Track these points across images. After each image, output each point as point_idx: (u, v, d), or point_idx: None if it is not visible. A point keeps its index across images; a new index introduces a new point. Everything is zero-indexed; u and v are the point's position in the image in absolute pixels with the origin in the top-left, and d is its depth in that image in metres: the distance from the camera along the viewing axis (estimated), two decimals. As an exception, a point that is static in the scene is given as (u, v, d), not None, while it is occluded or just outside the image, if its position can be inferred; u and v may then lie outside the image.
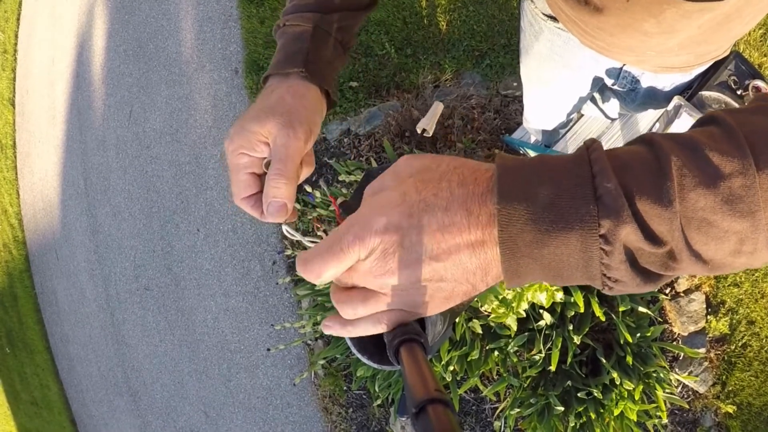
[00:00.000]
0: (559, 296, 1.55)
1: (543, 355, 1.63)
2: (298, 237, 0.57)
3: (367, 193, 0.39)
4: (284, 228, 0.57)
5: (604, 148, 0.34)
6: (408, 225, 0.34)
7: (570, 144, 1.82)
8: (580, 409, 1.63)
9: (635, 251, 0.32)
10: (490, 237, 0.34)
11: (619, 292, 0.34)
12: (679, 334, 1.93)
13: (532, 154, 1.74)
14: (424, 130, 0.53)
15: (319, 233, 0.64)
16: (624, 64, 0.87)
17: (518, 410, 1.70)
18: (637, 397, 1.59)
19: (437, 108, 0.55)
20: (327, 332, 0.40)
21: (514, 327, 1.60)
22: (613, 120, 1.73)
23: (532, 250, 0.32)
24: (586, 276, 0.33)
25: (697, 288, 1.92)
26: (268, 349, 2.87)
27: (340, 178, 1.96)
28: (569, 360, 1.63)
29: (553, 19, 0.87)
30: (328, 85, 0.59)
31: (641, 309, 1.66)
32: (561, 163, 0.33)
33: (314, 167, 0.58)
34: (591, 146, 0.34)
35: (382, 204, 0.36)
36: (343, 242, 0.35)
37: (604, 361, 1.63)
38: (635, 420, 1.60)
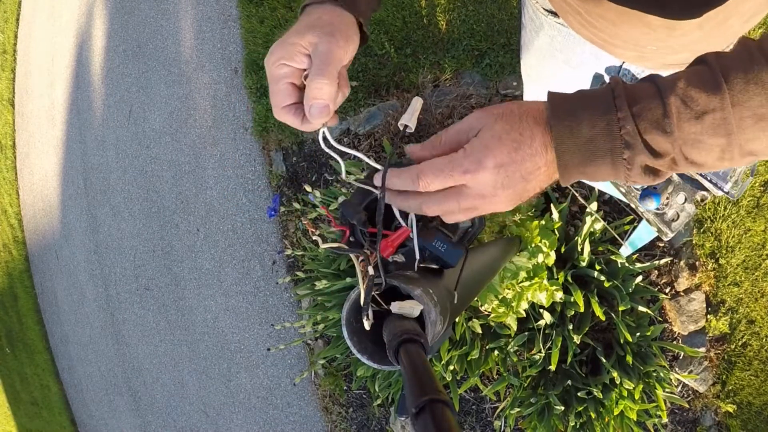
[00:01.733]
0: (559, 296, 1.55)
1: (543, 354, 1.63)
2: (338, 146, 0.56)
3: (457, 129, 0.51)
4: (323, 131, 0.57)
5: None
6: (510, 160, 0.48)
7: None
8: (580, 409, 1.63)
9: (648, 163, 0.48)
10: (552, 160, 0.49)
11: (636, 183, 0.50)
12: (679, 333, 1.93)
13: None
14: (406, 126, 0.54)
15: (314, 237, 0.64)
16: (624, 62, 0.87)
17: (518, 410, 1.70)
18: (637, 397, 1.59)
19: (417, 103, 0.55)
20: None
21: (514, 326, 1.60)
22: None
23: (578, 168, 0.48)
24: (615, 179, 0.49)
25: (697, 287, 1.92)
26: (268, 349, 2.87)
27: (340, 178, 1.96)
28: (569, 359, 1.63)
29: (554, 14, 0.87)
30: (363, 17, 0.59)
31: (641, 308, 1.66)
32: (594, 108, 0.47)
33: (350, 90, 0.60)
34: (615, 90, 0.47)
35: (486, 145, 0.48)
36: (456, 171, 0.49)
37: (604, 360, 1.63)
38: (635, 419, 1.60)
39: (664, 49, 0.73)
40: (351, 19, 0.58)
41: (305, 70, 0.55)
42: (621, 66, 0.89)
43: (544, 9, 0.89)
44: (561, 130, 0.47)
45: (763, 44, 0.46)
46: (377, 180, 0.54)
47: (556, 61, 0.97)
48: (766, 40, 0.46)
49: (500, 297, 1.50)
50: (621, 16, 0.70)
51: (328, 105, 0.53)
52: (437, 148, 0.53)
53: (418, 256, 0.57)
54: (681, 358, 1.94)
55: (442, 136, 0.53)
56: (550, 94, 0.49)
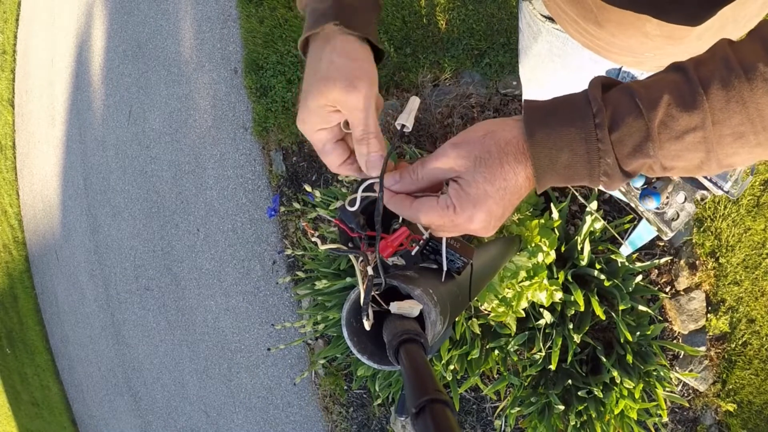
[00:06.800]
0: (559, 295, 1.55)
1: (543, 353, 1.63)
2: (358, 203, 0.56)
3: (434, 166, 0.52)
4: (361, 191, 0.57)
5: None
6: (499, 208, 0.50)
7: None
8: (581, 408, 1.63)
9: (626, 181, 0.49)
10: (532, 183, 0.50)
11: (610, 188, 0.51)
12: (679, 332, 1.93)
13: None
14: (403, 126, 0.53)
15: (313, 239, 0.64)
16: (622, 66, 0.87)
17: (519, 409, 1.70)
18: (637, 396, 1.59)
19: (413, 102, 0.55)
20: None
21: (514, 326, 1.60)
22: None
23: (554, 184, 0.50)
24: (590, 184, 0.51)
25: (697, 286, 1.92)
26: (269, 349, 2.87)
27: (339, 177, 1.96)
28: (569, 359, 1.63)
29: (551, 20, 0.87)
30: (369, 34, 0.56)
31: (641, 307, 1.66)
32: (573, 134, 0.47)
33: (383, 104, 0.60)
34: (597, 115, 0.46)
35: (474, 202, 0.50)
36: (449, 224, 0.51)
37: (604, 359, 1.63)
38: (636, 418, 1.60)
39: (661, 56, 0.74)
40: (355, 42, 0.55)
41: (340, 121, 0.55)
42: (620, 69, 0.89)
43: (541, 15, 0.88)
44: (541, 160, 0.48)
45: (740, 51, 0.45)
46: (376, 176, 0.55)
47: (555, 66, 0.96)
48: (743, 46, 0.45)
49: (500, 296, 1.50)
50: (619, 26, 0.69)
51: (382, 155, 0.54)
52: (416, 183, 0.53)
53: (445, 267, 0.58)
54: (681, 357, 1.94)
55: (417, 172, 0.53)
56: (527, 111, 0.49)
